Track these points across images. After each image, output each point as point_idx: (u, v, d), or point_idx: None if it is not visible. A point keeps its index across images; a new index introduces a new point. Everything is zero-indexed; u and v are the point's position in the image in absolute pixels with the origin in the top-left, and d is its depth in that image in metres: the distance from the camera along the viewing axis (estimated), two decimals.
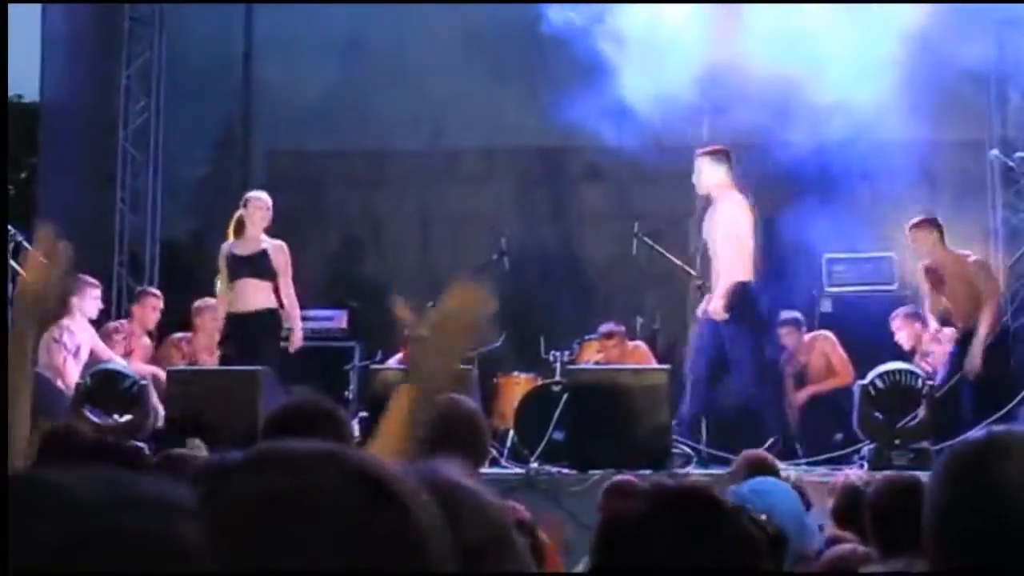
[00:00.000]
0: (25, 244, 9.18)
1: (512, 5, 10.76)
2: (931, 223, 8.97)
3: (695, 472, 7.93)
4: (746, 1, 10.30)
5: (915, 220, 9.04)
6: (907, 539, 3.33)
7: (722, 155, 8.98)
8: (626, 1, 10.11)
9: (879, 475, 5.33)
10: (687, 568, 1.71)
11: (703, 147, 9.14)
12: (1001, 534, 1.71)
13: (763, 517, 1.84)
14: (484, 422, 4.26)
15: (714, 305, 8.67)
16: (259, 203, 9.26)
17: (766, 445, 8.83)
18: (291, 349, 9.21)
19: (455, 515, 1.48)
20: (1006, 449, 1.78)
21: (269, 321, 9.07)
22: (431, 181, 12.10)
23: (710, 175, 8.95)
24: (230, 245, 9.16)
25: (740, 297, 8.66)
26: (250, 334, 8.98)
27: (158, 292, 10.35)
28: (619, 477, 5.20)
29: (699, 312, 8.91)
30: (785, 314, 9.87)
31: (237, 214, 9.25)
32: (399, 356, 9.83)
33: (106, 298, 9.89)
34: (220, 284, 9.25)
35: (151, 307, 9.99)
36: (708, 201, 9.09)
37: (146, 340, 10.01)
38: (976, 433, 1.87)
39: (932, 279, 9.00)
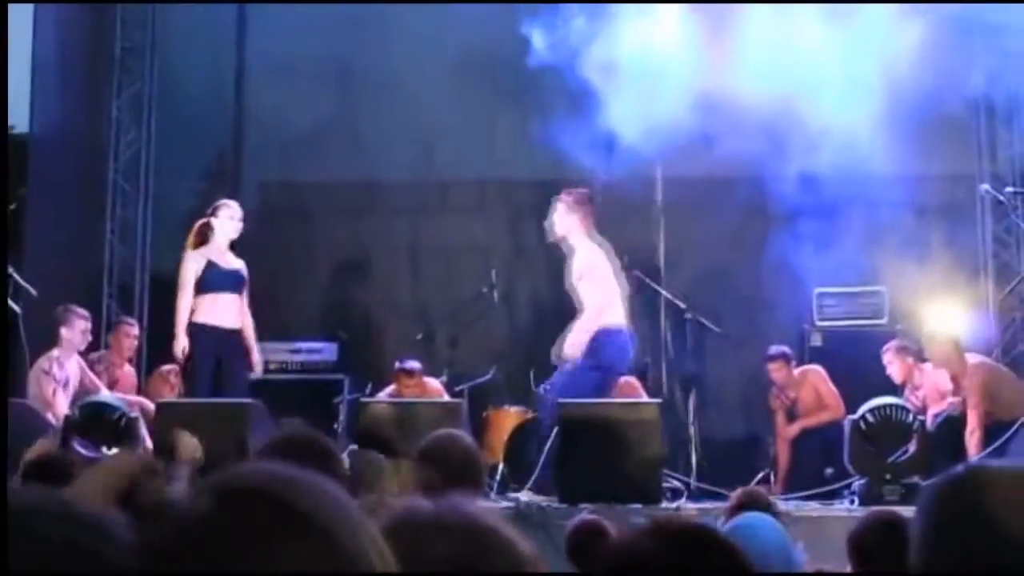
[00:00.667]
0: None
1: (502, 34, 10.68)
2: (948, 343, 8.87)
3: (687, 506, 7.90)
4: (737, 1, 10.28)
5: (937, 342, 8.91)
6: (889, 574, 3.33)
7: (577, 203, 8.68)
8: (616, 1, 10.07)
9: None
10: None
11: (569, 192, 8.82)
12: (981, 568, 1.71)
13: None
14: (481, 456, 4.25)
15: (565, 349, 8.49)
16: (232, 212, 8.93)
17: (756, 479, 8.85)
18: (254, 374, 8.95)
19: (483, 554, 1.46)
20: (984, 483, 1.78)
21: (241, 341, 8.90)
22: (422, 212, 12.09)
23: (561, 222, 8.72)
24: (203, 252, 8.79)
25: (592, 344, 8.43)
26: (228, 352, 8.76)
27: (132, 321, 10.30)
28: (586, 516, 5.16)
29: (553, 358, 8.66)
30: (774, 349, 9.85)
31: (203, 221, 8.91)
32: (389, 389, 9.80)
33: (95, 330, 9.83)
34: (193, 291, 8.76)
35: (125, 336, 9.94)
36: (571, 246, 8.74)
37: (128, 369, 9.97)
38: (955, 468, 1.87)
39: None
